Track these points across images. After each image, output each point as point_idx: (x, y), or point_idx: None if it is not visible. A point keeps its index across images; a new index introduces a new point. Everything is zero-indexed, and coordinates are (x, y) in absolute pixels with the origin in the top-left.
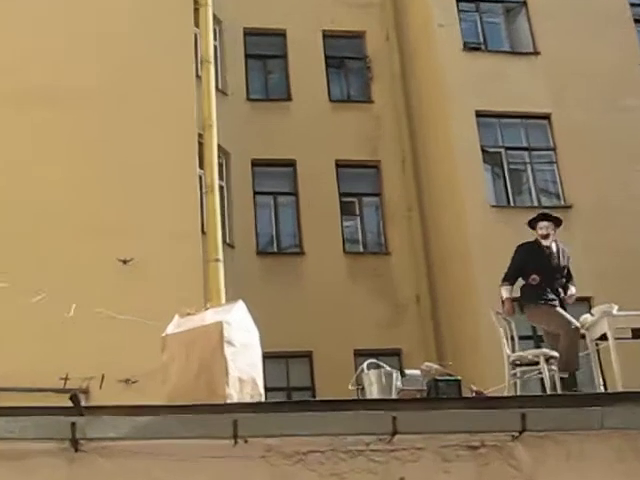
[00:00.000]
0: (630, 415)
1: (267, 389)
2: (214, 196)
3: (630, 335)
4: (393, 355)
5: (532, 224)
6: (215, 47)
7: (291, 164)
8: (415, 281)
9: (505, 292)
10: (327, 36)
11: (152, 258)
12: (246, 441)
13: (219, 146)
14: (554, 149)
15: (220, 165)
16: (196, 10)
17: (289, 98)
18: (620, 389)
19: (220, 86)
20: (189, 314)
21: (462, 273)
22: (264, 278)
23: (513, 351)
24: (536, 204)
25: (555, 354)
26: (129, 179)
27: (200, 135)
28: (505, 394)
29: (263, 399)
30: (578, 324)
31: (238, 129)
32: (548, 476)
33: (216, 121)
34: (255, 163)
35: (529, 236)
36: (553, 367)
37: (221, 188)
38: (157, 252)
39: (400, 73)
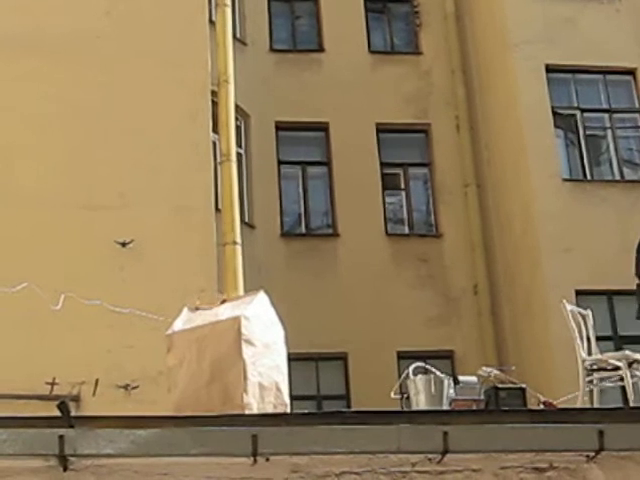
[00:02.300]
0: None
1: (293, 397)
2: (231, 166)
3: None
4: (444, 358)
5: None
6: None
7: (323, 128)
8: (471, 269)
9: None
10: None
11: (156, 240)
12: (268, 459)
13: (237, 106)
14: None
15: (238, 129)
16: None
17: (321, 49)
18: None
19: (238, 34)
20: (200, 308)
21: (529, 260)
22: (290, 265)
23: (589, 354)
24: (618, 177)
25: None
26: (129, 145)
27: (214, 92)
28: (579, 406)
29: (288, 409)
30: None
31: (259, 86)
32: None
33: (233, 76)
34: (280, 127)
35: (610, 215)
36: (638, 373)
37: (239, 156)
38: (162, 233)
39: (454, 19)
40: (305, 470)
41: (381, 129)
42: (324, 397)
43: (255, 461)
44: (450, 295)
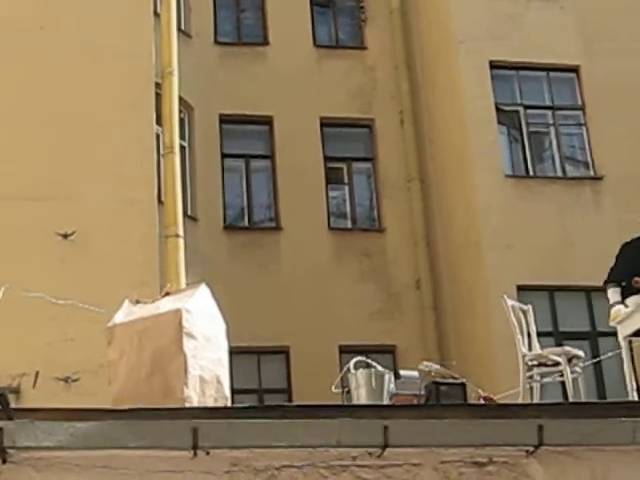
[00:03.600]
0: None
1: (234, 391)
2: (174, 158)
3: None
4: (386, 352)
5: None
6: None
7: (267, 122)
8: (414, 264)
9: (613, 296)
10: None
11: (98, 232)
12: (208, 453)
13: (181, 98)
14: (583, 109)
15: (182, 121)
16: None
17: (266, 42)
18: None
19: (183, 27)
20: (141, 300)
21: (471, 255)
22: (232, 258)
23: (530, 349)
24: (560, 174)
25: (580, 353)
26: (70, 135)
27: (158, 85)
28: (519, 401)
29: (229, 403)
30: None
31: (204, 79)
32: None
33: (178, 68)
34: (224, 120)
35: (552, 212)
36: (577, 368)
37: (182, 149)
38: (104, 225)
39: (400, 15)
40: (245, 464)
41: (325, 123)
42: (265, 391)
43: (195, 454)
44: (392, 290)
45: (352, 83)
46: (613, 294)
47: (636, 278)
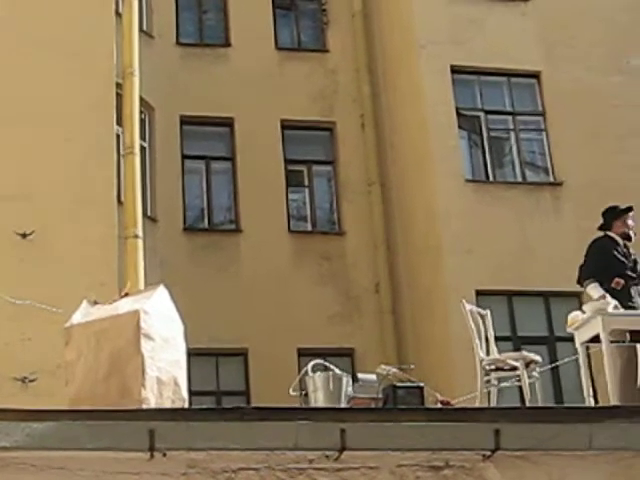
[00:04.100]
0: (624, 434)
1: (192, 393)
2: (134, 159)
3: (628, 338)
4: (345, 355)
5: (616, 215)
6: None
7: (228, 123)
8: (373, 268)
9: (597, 291)
10: None
11: (57, 232)
12: (165, 455)
13: (141, 99)
14: (543, 114)
15: (142, 122)
16: None
17: (227, 44)
18: (613, 403)
19: (145, 27)
20: (99, 301)
21: (431, 260)
22: (192, 259)
23: (488, 354)
24: (520, 179)
25: (537, 358)
26: (31, 135)
27: (119, 85)
28: (476, 405)
29: (186, 405)
30: None
31: (165, 79)
32: None
33: (139, 69)
34: (185, 121)
35: (512, 217)
36: (534, 373)
37: (143, 149)
38: (63, 225)
39: (362, 18)
40: (202, 466)
41: (286, 126)
42: (224, 393)
43: (152, 456)
44: (352, 293)
45: (313, 86)
46: (595, 289)
47: (617, 279)
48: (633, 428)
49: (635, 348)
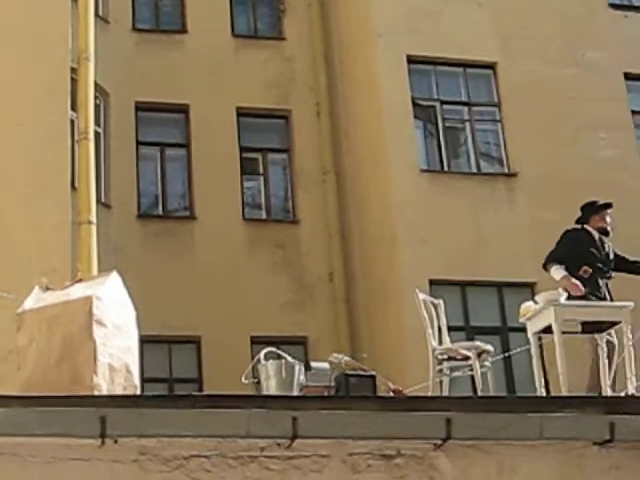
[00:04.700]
0: (575, 424)
1: (144, 380)
2: (88, 144)
3: (579, 329)
4: (298, 344)
5: (594, 210)
6: None
7: (183, 110)
8: (327, 256)
9: (559, 272)
10: None
11: (9, 217)
12: (116, 441)
13: (96, 84)
14: (498, 105)
15: (97, 107)
16: None
17: (184, 30)
18: (564, 393)
19: (101, 12)
20: (51, 287)
21: (385, 249)
22: (146, 246)
23: (440, 343)
24: (475, 170)
25: (489, 348)
26: None
27: (74, 70)
28: (428, 394)
29: (138, 391)
30: None
31: (120, 65)
32: None
33: (94, 54)
34: (140, 107)
35: (466, 207)
36: (487, 363)
37: (97, 135)
38: (15, 210)
39: (319, 6)
40: (153, 453)
41: (241, 113)
42: (176, 380)
43: (103, 443)
44: (305, 282)
45: (270, 74)
46: (558, 270)
47: (585, 267)
48: (584, 418)
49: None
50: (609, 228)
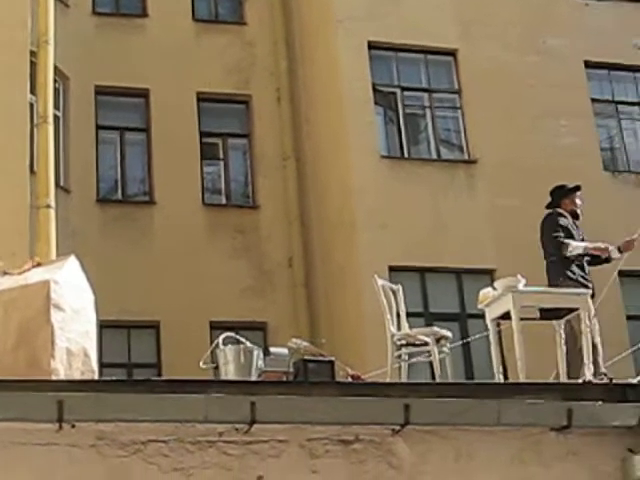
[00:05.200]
0: (532, 410)
1: (103, 365)
2: (47, 128)
3: (538, 315)
4: (257, 329)
5: (564, 194)
6: None
7: (143, 94)
8: (287, 242)
9: (579, 245)
10: None
11: None
12: (73, 426)
13: (56, 68)
14: (459, 92)
15: (56, 91)
16: None
17: (144, 14)
18: (522, 379)
19: None
20: (8, 271)
21: (344, 235)
22: (105, 231)
23: (399, 329)
24: (435, 156)
25: (448, 334)
26: None
27: (33, 53)
28: (387, 380)
29: (96, 376)
30: None
31: (80, 49)
32: (431, 478)
33: (54, 37)
34: (99, 91)
35: (426, 193)
36: (445, 349)
37: (57, 119)
38: None
39: None
40: (111, 437)
41: (202, 98)
42: (135, 365)
43: (60, 427)
44: (265, 267)
45: (230, 58)
46: (577, 244)
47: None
48: (541, 404)
49: (574, 321)
50: (579, 211)
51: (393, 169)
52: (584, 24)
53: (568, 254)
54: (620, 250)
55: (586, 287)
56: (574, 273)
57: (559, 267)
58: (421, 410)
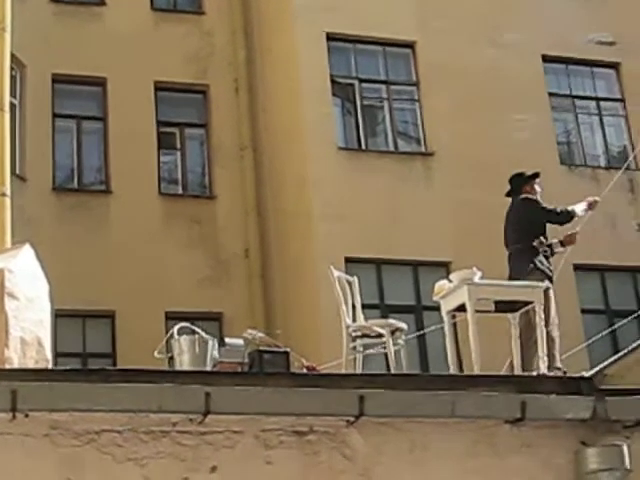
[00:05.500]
0: (486, 403)
1: (57, 354)
2: (3, 116)
3: (493, 308)
4: (212, 320)
5: (524, 181)
6: None
7: (101, 83)
8: (244, 233)
9: (580, 207)
10: None
11: None
12: (27, 415)
13: (13, 55)
14: (417, 84)
15: (13, 79)
16: None
17: (102, 2)
18: (477, 372)
19: None
20: None
21: (301, 226)
22: (60, 220)
23: (354, 321)
24: (392, 149)
25: (403, 326)
26: None
27: None
28: (342, 372)
29: (50, 365)
30: None
31: (37, 36)
32: (386, 470)
33: (10, 24)
34: (57, 79)
35: (383, 185)
36: (400, 341)
37: (13, 107)
38: None
39: None
40: (64, 427)
41: (159, 87)
42: (90, 355)
43: (14, 417)
44: (221, 257)
45: (188, 48)
46: (575, 206)
47: (541, 239)
48: (495, 397)
49: (531, 314)
50: (539, 197)
51: (350, 161)
52: (542, 18)
53: (578, 216)
54: (562, 244)
55: (551, 279)
56: (542, 263)
57: (526, 256)
58: (376, 402)
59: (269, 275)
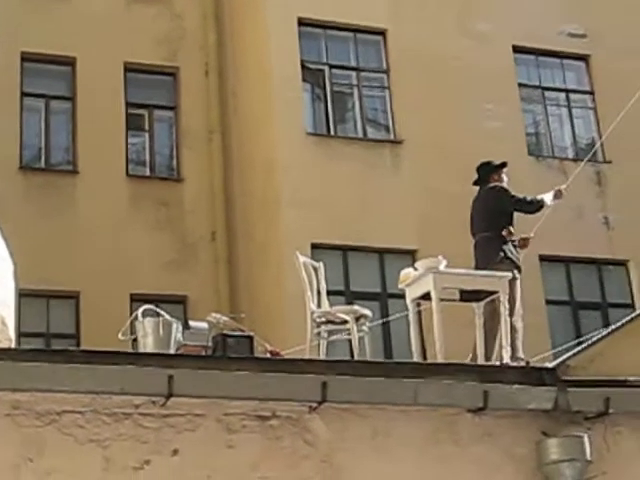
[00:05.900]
0: (449, 391)
1: (21, 334)
2: None
3: (458, 297)
4: (177, 303)
5: (492, 170)
6: None
7: (70, 62)
8: (211, 216)
9: (548, 196)
10: None
11: None
12: None
13: None
14: (387, 72)
15: None
16: None
17: None
18: (440, 360)
19: None
20: None
21: (268, 211)
22: (26, 199)
23: (319, 307)
24: (361, 135)
25: (367, 313)
26: None
27: None
28: (305, 357)
29: (13, 345)
30: None
31: (7, 15)
32: (347, 456)
33: None
34: (25, 57)
35: (351, 172)
36: (364, 328)
37: None
38: None
39: None
40: (26, 407)
41: (129, 68)
42: (53, 335)
43: None
44: (188, 240)
45: (159, 30)
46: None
47: (510, 228)
48: (457, 385)
49: (496, 303)
50: (506, 186)
51: (319, 146)
52: (513, 9)
53: (547, 205)
54: (515, 247)
55: (519, 268)
56: (511, 252)
57: (495, 244)
58: (338, 388)
59: (235, 259)
